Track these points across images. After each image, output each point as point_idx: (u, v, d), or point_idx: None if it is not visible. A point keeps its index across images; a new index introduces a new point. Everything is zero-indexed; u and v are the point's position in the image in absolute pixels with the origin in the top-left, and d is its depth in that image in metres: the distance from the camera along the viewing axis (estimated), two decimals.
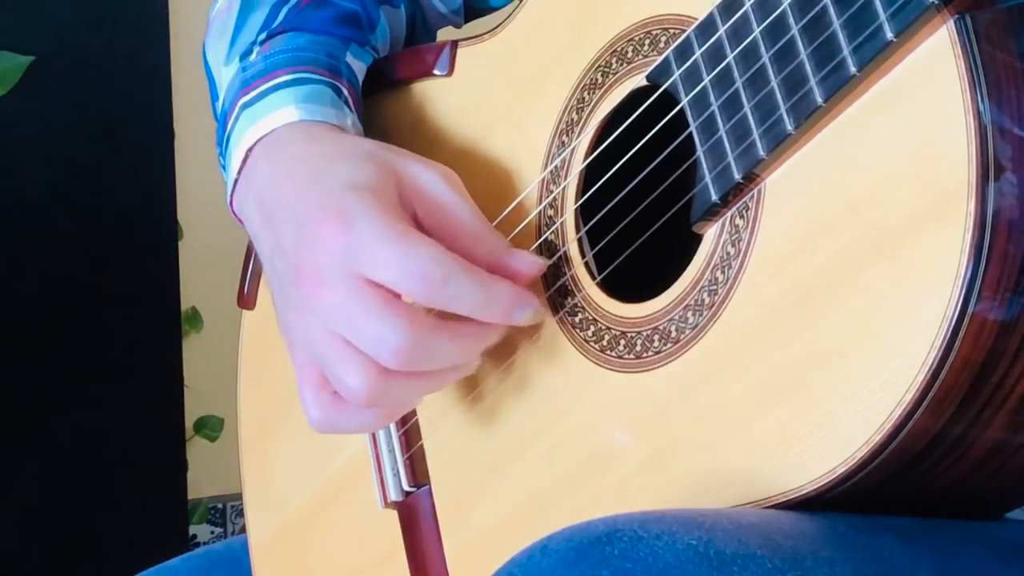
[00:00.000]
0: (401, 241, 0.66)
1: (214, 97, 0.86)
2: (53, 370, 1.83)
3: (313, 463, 0.89)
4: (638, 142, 0.66)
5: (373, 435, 0.80)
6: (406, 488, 0.78)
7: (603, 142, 0.68)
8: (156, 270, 1.91)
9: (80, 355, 1.85)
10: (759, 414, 0.57)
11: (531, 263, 0.68)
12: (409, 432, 0.78)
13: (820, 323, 0.55)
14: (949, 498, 0.57)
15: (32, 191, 1.80)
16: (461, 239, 0.68)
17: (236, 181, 0.79)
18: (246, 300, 0.99)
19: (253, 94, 0.78)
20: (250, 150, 0.77)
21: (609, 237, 0.67)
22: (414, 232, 0.66)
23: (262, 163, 0.77)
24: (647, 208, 0.67)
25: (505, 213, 0.73)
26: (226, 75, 0.84)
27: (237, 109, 0.79)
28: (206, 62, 0.88)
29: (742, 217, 0.59)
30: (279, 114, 0.77)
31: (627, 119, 0.66)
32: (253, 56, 0.82)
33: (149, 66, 1.83)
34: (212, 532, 2.21)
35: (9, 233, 1.78)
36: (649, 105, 0.65)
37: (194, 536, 2.14)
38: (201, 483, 2.08)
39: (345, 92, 0.79)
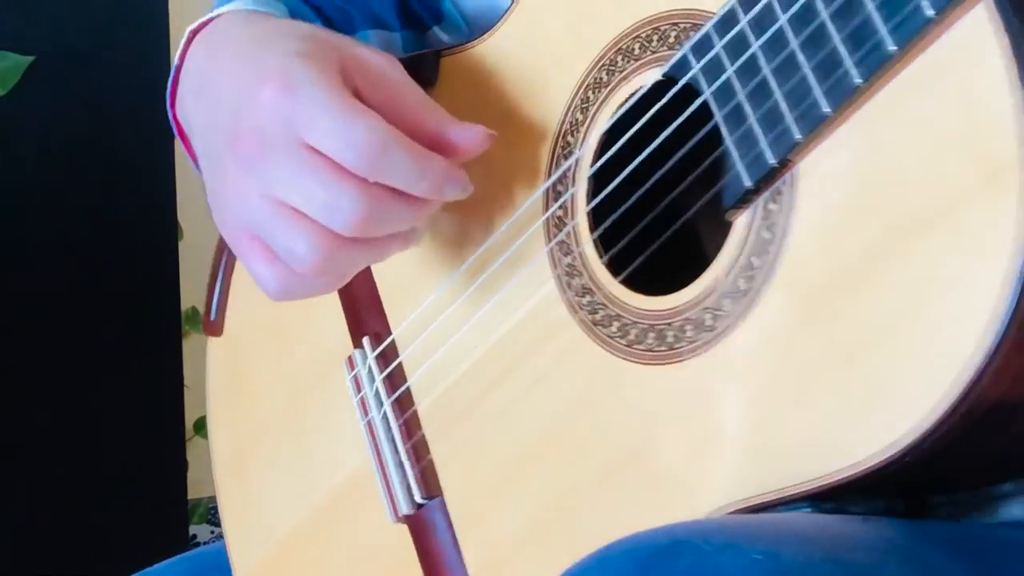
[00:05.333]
0: (343, 109, 0.66)
1: None
2: (53, 370, 1.82)
3: (302, 485, 0.88)
4: (651, 138, 0.66)
5: (377, 450, 0.79)
6: (418, 500, 0.77)
7: (614, 141, 0.68)
8: (156, 270, 1.90)
9: (80, 355, 1.84)
10: (815, 392, 0.58)
11: (475, 133, 0.69)
12: (417, 445, 0.78)
13: (873, 299, 0.56)
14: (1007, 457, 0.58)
15: (32, 191, 1.79)
16: (404, 113, 0.68)
17: (177, 69, 0.78)
18: (213, 326, 0.98)
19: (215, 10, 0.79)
20: (192, 35, 0.78)
21: (631, 236, 0.68)
22: (356, 102, 0.67)
23: (201, 45, 0.77)
24: (665, 203, 0.68)
25: (511, 221, 0.73)
26: None
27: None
28: None
29: (775, 202, 0.60)
30: (226, 7, 0.78)
31: (639, 116, 0.67)
32: None
33: (149, 66, 1.82)
34: (212, 532, 2.19)
35: (8, 233, 1.77)
36: (661, 100, 0.66)
37: (194, 536, 2.11)
38: (201, 483, 2.07)
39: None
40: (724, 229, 0.65)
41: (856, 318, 0.57)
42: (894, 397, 0.55)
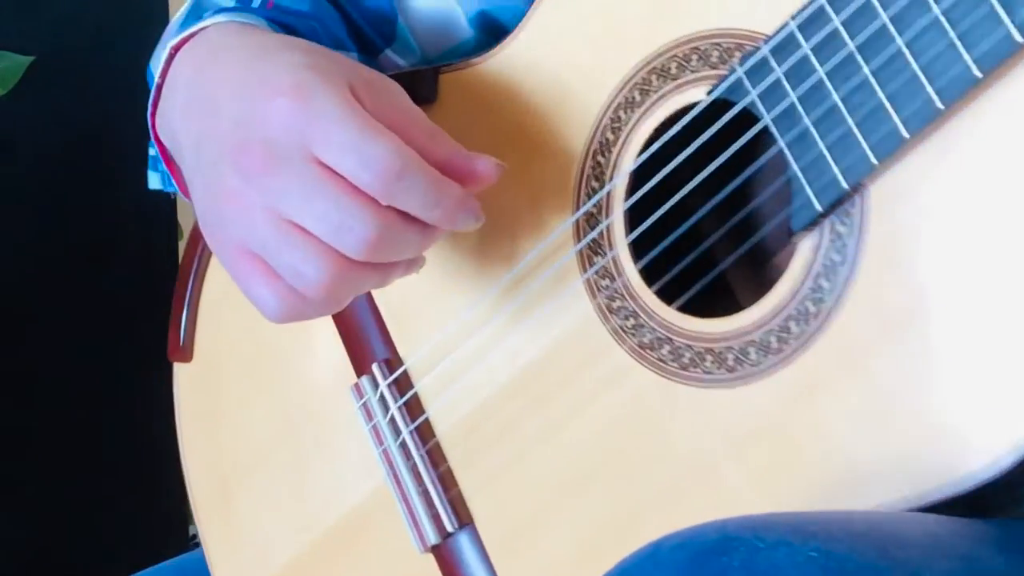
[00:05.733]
0: (361, 127, 0.63)
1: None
2: (53, 370, 1.76)
3: (302, 514, 0.85)
4: (695, 162, 0.66)
5: (397, 479, 0.78)
6: (449, 530, 0.76)
7: (654, 165, 0.68)
8: (156, 270, 1.83)
9: (80, 355, 1.77)
10: (895, 416, 0.59)
11: (490, 164, 0.68)
12: (443, 474, 0.76)
13: (963, 318, 0.57)
14: None
15: (32, 191, 1.72)
16: (411, 138, 0.65)
17: (159, 87, 0.74)
18: (182, 352, 0.94)
19: (189, 28, 0.74)
20: (175, 49, 0.73)
21: (680, 266, 0.67)
22: (372, 119, 0.64)
23: (189, 56, 0.73)
24: (721, 233, 0.68)
25: (541, 248, 0.72)
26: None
27: (167, 36, 0.76)
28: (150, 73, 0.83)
29: (844, 224, 0.61)
30: (209, 21, 0.74)
31: (683, 140, 0.66)
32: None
33: (149, 66, 1.76)
34: None
35: (8, 233, 1.70)
36: (703, 123, 0.65)
37: (194, 536, 2.06)
38: None
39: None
40: (774, 248, 0.66)
41: (946, 339, 0.58)
42: (987, 417, 0.56)
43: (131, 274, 1.84)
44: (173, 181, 0.80)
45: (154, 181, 0.90)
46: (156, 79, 0.75)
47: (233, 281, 0.69)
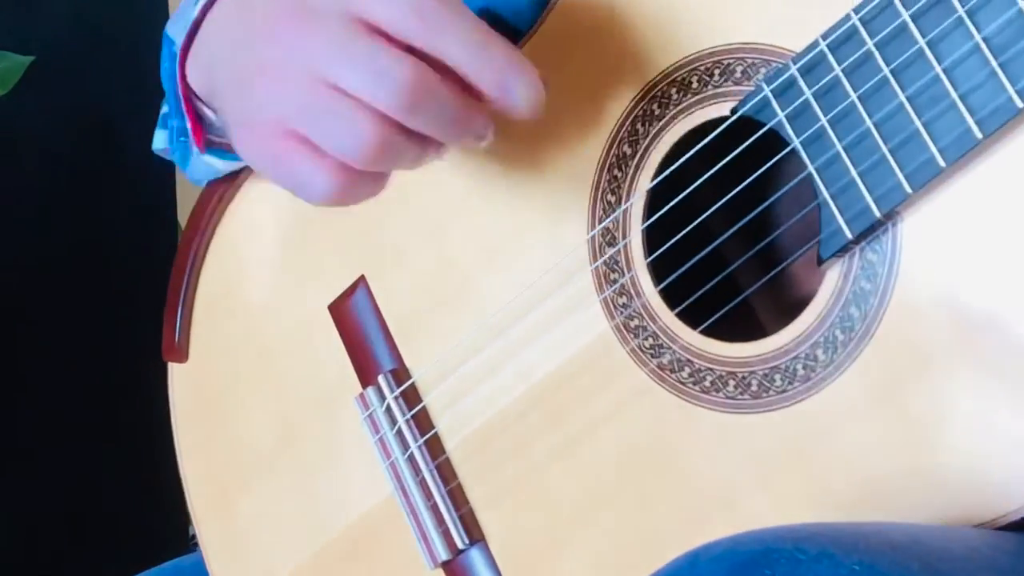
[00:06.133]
0: None
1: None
2: (52, 370, 1.74)
3: (308, 524, 0.84)
4: (716, 181, 0.64)
5: (405, 493, 0.76)
6: (460, 547, 0.74)
7: (674, 184, 0.66)
8: (156, 270, 1.82)
9: (80, 355, 1.76)
10: (928, 448, 0.58)
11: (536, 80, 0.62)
12: (454, 489, 0.75)
13: (1003, 351, 0.56)
14: None
15: (32, 191, 1.70)
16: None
17: (197, 23, 0.70)
18: (176, 352, 0.92)
19: None
20: None
21: (703, 290, 0.65)
22: None
23: None
24: (746, 258, 0.66)
25: (556, 263, 0.69)
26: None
27: None
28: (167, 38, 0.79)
29: (875, 252, 0.59)
30: None
31: (704, 157, 0.64)
32: None
33: (149, 66, 1.74)
34: None
35: (8, 233, 1.69)
36: (726, 141, 0.63)
37: (193, 536, 2.06)
38: None
39: None
40: (800, 272, 0.64)
41: (977, 374, 0.56)
42: None
43: (131, 274, 1.83)
44: (188, 127, 0.75)
45: (159, 140, 0.86)
46: (195, 15, 0.70)
47: (273, 177, 0.65)
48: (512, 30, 0.81)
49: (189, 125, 0.75)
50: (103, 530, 1.79)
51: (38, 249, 1.75)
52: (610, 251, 0.68)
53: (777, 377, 0.62)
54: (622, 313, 0.67)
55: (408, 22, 0.60)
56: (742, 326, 0.66)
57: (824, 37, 0.58)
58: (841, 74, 0.58)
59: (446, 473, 0.75)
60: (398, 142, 0.61)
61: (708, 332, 0.65)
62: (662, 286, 0.66)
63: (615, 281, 0.68)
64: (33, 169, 1.72)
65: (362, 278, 0.79)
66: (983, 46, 0.54)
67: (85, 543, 1.79)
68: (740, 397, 0.64)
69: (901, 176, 0.57)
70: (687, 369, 0.65)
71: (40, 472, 1.76)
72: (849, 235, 0.59)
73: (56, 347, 1.77)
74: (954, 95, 0.55)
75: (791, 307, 0.63)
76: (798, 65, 0.59)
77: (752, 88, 0.62)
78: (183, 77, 0.73)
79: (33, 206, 1.74)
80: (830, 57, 0.58)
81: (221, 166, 0.84)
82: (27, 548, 1.74)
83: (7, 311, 1.73)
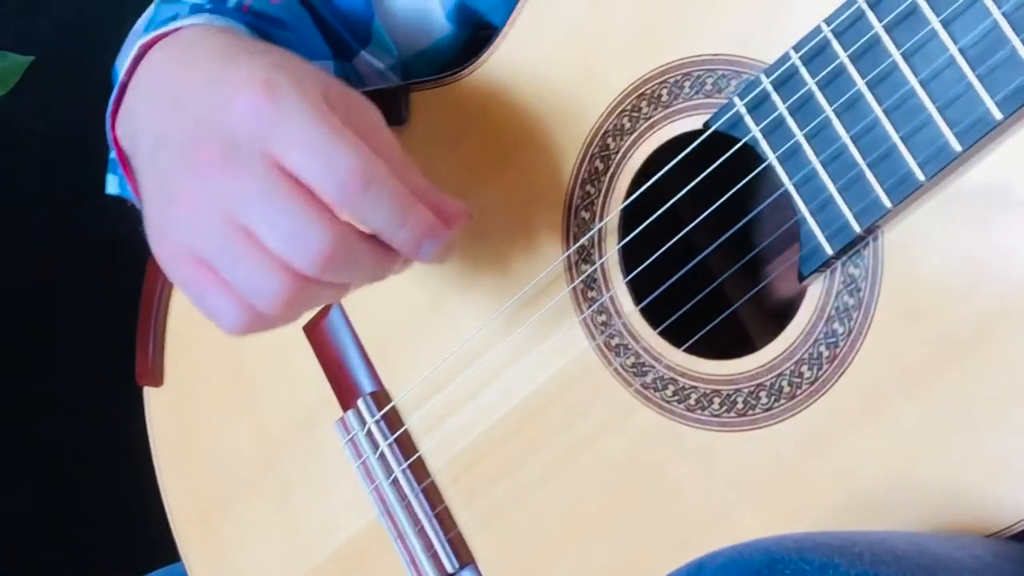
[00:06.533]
0: (329, 131, 0.58)
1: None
2: (52, 370, 1.73)
3: (292, 549, 0.82)
4: (691, 197, 0.62)
5: (391, 518, 0.75)
6: (450, 570, 0.73)
7: (650, 200, 0.64)
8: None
9: (80, 355, 1.74)
10: (926, 458, 0.57)
11: (460, 208, 0.62)
12: (441, 513, 0.74)
13: (989, 365, 0.55)
14: None
15: (31, 191, 1.69)
16: (389, 160, 0.60)
17: (124, 85, 0.68)
18: (151, 375, 0.90)
19: (161, 28, 0.69)
20: (146, 47, 0.68)
21: (685, 309, 0.64)
22: (343, 126, 0.58)
23: (162, 54, 0.67)
24: (727, 275, 0.65)
25: (533, 284, 0.68)
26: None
27: (134, 36, 0.70)
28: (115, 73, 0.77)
29: (856, 267, 0.58)
30: (186, 21, 0.69)
31: (678, 173, 0.63)
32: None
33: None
34: None
35: (8, 233, 1.68)
36: (699, 155, 0.62)
37: None
38: None
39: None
40: (781, 286, 0.63)
41: (970, 389, 0.55)
42: (1014, 470, 0.54)
43: (131, 274, 1.82)
44: (128, 187, 0.75)
45: (112, 185, 0.85)
46: (121, 77, 0.69)
47: (184, 293, 0.63)
48: (487, 26, 0.80)
49: (129, 185, 0.74)
50: (102, 530, 1.79)
51: (37, 249, 1.74)
52: (588, 269, 0.66)
53: (763, 394, 0.61)
54: (603, 332, 0.66)
55: (326, 183, 0.57)
56: (726, 341, 0.65)
57: (796, 49, 0.57)
58: (815, 87, 0.57)
59: (432, 497, 0.74)
60: (310, 291, 0.60)
61: (691, 349, 0.64)
62: (642, 305, 0.65)
63: (594, 300, 0.66)
64: (32, 169, 1.71)
65: None
66: (959, 58, 0.52)
67: (84, 544, 1.78)
68: (726, 415, 0.63)
69: (880, 191, 0.55)
70: (671, 387, 0.64)
71: (40, 472, 1.77)
72: (830, 251, 0.57)
73: (55, 346, 1.77)
74: (931, 108, 0.53)
75: (775, 319, 0.62)
76: (771, 78, 0.58)
77: (724, 101, 0.60)
78: (115, 139, 0.71)
79: (33, 206, 1.73)
80: (803, 70, 0.57)
81: None
82: (27, 548, 1.74)
83: (6, 310, 1.73)
